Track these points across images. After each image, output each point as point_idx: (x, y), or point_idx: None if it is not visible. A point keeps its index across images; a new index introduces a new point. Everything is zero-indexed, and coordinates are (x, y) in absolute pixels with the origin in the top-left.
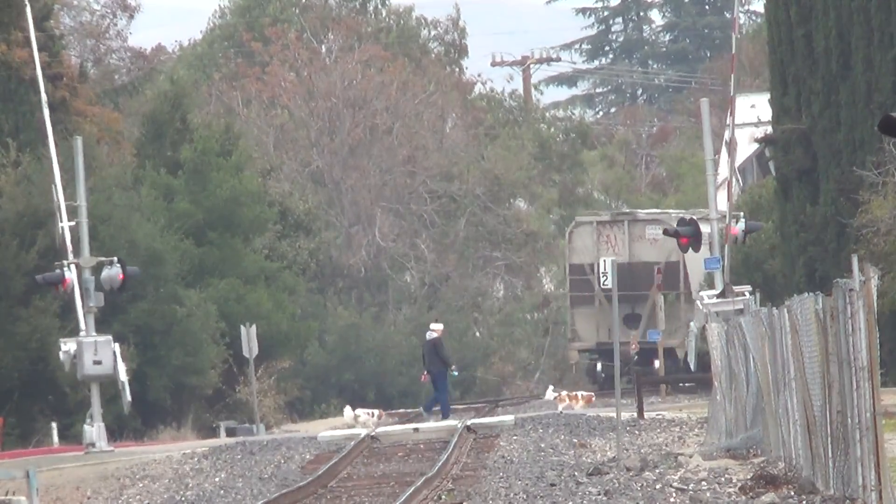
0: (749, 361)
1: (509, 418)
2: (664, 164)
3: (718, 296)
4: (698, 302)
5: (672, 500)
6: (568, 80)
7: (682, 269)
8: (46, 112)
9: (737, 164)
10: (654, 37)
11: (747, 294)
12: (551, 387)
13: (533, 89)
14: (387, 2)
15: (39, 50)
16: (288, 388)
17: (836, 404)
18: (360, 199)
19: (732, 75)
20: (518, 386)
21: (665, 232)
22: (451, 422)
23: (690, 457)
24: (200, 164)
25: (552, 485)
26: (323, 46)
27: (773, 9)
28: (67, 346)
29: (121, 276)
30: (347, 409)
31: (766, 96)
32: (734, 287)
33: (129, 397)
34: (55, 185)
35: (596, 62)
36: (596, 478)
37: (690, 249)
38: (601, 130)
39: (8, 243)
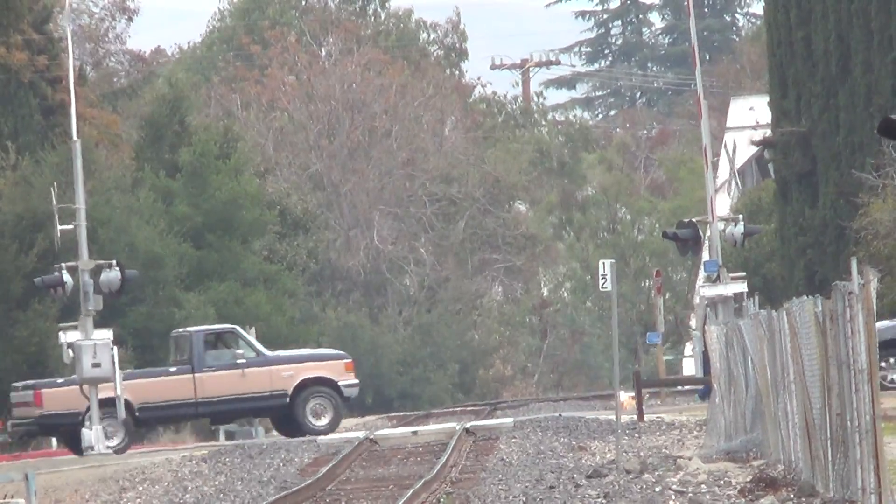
0: (748, 364)
1: (508, 421)
2: (663, 167)
3: (713, 281)
4: (696, 297)
5: (671, 502)
6: (567, 82)
7: None
8: (73, 113)
9: (736, 167)
10: (653, 39)
11: (743, 281)
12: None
13: (536, 96)
14: (386, 5)
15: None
16: None
17: (836, 407)
18: (358, 201)
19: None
20: (517, 388)
21: (664, 235)
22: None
23: (690, 459)
24: (199, 166)
25: (551, 487)
26: (322, 49)
27: (772, 11)
28: (67, 335)
29: (120, 278)
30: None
31: (766, 99)
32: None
33: (123, 414)
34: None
35: (595, 65)
36: (595, 480)
37: (690, 252)
38: (600, 133)
39: (7, 246)
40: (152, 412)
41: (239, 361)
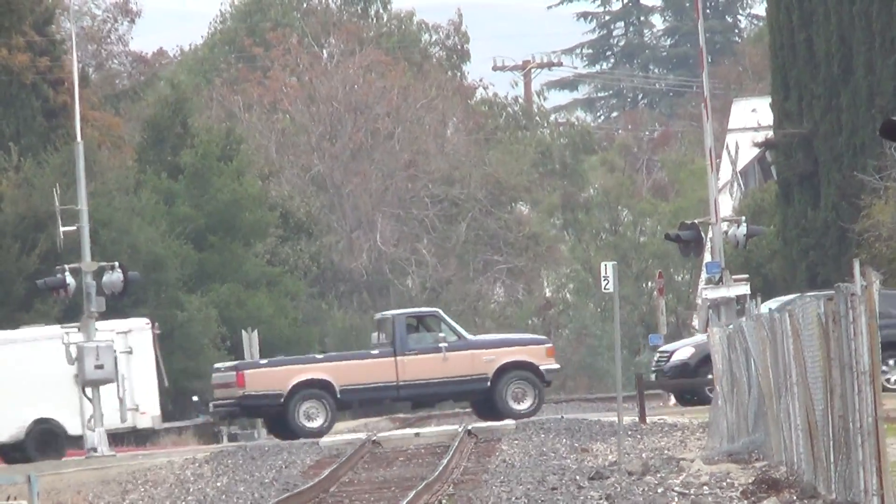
0: (750, 366)
1: (511, 422)
2: (665, 169)
3: (716, 283)
4: (698, 299)
5: None
6: (569, 84)
7: None
8: (77, 115)
9: (738, 168)
10: (655, 41)
11: (746, 283)
12: None
13: (536, 96)
14: (388, 6)
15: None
16: None
17: (838, 409)
18: (361, 203)
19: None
20: None
21: (667, 236)
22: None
23: (692, 461)
24: (201, 168)
25: (553, 489)
26: (324, 51)
27: (774, 13)
28: (69, 335)
29: (122, 280)
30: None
31: (768, 100)
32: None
33: (126, 418)
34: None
35: (597, 66)
36: (597, 482)
37: (692, 254)
38: (602, 135)
39: (9, 247)
40: (354, 394)
41: (441, 345)
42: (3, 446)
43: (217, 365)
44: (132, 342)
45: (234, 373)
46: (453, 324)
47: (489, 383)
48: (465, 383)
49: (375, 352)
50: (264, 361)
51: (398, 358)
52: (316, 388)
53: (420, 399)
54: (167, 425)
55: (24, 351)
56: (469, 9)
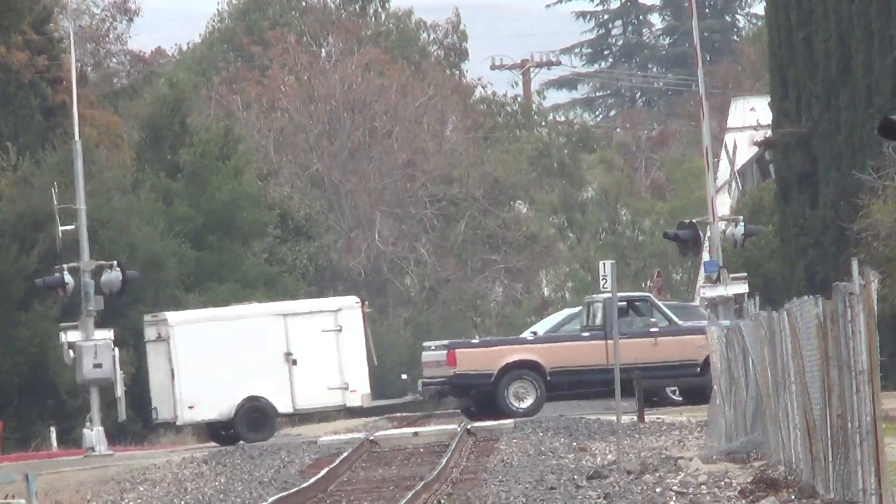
0: (748, 365)
1: (509, 422)
2: (664, 168)
3: (714, 282)
4: (696, 298)
5: (672, 503)
6: (568, 83)
7: None
8: (75, 114)
9: (737, 168)
10: (653, 40)
11: (744, 281)
12: None
13: (535, 95)
14: (386, 5)
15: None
16: None
17: (836, 408)
18: (359, 202)
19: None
20: None
21: (665, 235)
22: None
23: (690, 460)
24: (200, 167)
25: (552, 488)
26: (322, 50)
27: (773, 12)
28: (67, 336)
29: (120, 279)
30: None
31: (766, 99)
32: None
33: (123, 416)
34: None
35: (596, 66)
36: (596, 481)
37: (690, 253)
38: (601, 134)
39: (8, 246)
40: (563, 377)
41: (652, 330)
42: (213, 424)
43: (427, 343)
44: (342, 320)
45: (446, 351)
46: (665, 309)
47: (699, 370)
48: (676, 369)
49: (586, 335)
50: (476, 341)
51: (609, 341)
52: (526, 369)
53: (630, 384)
54: (376, 403)
55: (236, 328)
56: (467, 7)
